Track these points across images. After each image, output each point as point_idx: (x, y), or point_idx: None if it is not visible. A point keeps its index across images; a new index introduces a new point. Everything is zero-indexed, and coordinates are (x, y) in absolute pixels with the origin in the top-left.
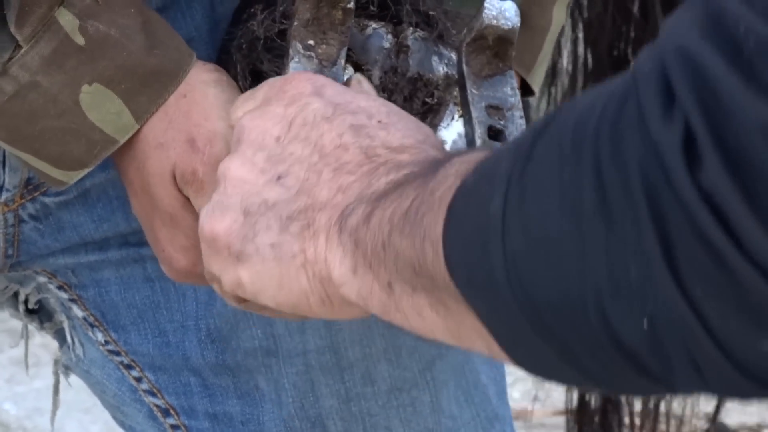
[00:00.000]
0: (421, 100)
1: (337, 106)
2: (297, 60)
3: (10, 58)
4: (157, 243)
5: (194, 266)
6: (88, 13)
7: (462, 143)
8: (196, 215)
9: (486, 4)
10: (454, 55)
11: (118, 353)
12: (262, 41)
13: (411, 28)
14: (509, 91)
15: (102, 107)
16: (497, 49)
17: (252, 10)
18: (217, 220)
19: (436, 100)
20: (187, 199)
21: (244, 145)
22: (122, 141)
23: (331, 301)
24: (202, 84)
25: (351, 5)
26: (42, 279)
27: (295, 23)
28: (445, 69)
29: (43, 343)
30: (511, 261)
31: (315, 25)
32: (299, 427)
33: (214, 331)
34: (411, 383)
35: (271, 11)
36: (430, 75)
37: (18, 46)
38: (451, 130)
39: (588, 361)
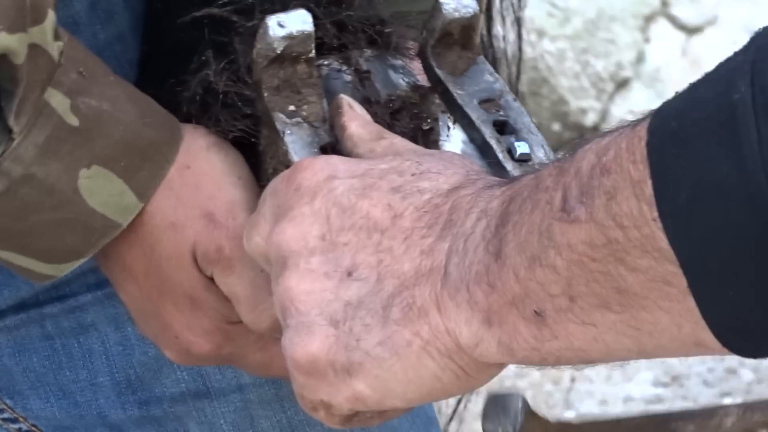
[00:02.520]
0: (406, 121)
1: (362, 178)
2: (289, 132)
3: (2, 153)
4: (169, 330)
5: (219, 349)
6: (77, 90)
7: (471, 151)
8: (220, 295)
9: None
10: (404, 62)
11: (15, 420)
12: (221, 96)
13: (357, 51)
14: (491, 78)
15: (103, 190)
16: (463, 40)
17: (203, 57)
18: (308, 344)
19: (424, 114)
20: (210, 279)
21: (291, 260)
22: (126, 224)
23: (466, 372)
24: (203, 150)
25: (312, 53)
26: None
27: (266, 94)
28: (405, 80)
29: None
30: None
31: (287, 89)
32: None
33: (135, 382)
34: None
35: (230, 63)
36: (399, 92)
37: (10, 139)
38: (454, 141)
39: None
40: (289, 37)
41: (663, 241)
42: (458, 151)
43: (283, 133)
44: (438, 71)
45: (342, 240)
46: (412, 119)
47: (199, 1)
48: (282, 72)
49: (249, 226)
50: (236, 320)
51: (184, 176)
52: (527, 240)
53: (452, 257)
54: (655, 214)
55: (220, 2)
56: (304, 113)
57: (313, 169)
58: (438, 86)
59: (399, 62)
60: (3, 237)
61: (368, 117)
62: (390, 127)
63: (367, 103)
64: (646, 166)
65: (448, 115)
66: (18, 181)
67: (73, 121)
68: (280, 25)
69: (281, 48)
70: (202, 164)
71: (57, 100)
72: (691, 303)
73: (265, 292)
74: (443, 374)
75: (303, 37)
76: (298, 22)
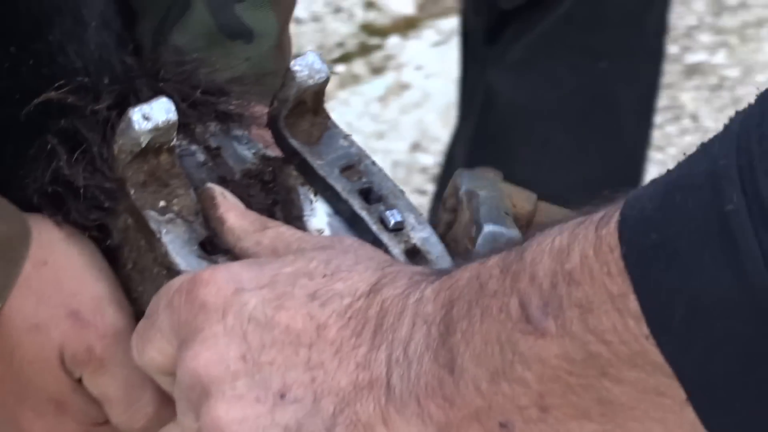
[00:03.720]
0: (262, 196)
1: (272, 287)
2: (165, 231)
3: None
4: None
5: None
6: None
7: (338, 223)
8: (88, 397)
9: (293, 67)
10: (245, 132)
11: None
12: (81, 191)
13: (201, 127)
14: (345, 143)
15: None
16: (315, 106)
17: (48, 146)
18: None
19: (280, 188)
20: (78, 380)
21: (213, 387)
22: None
23: None
24: (59, 243)
25: (174, 142)
26: None
27: (132, 191)
28: (252, 151)
29: None
30: None
31: (153, 183)
32: None
33: None
34: None
35: (83, 152)
36: (250, 166)
37: None
38: (319, 215)
39: None
40: (155, 129)
41: (658, 357)
42: (324, 225)
43: (159, 233)
44: (293, 142)
45: (265, 359)
46: (268, 194)
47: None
48: (146, 166)
49: (141, 339)
50: (103, 421)
51: (41, 273)
52: (485, 352)
53: (393, 368)
54: (646, 331)
55: (56, 86)
56: (176, 208)
57: (216, 284)
58: (294, 158)
59: (241, 132)
60: None
61: (242, 205)
62: (247, 205)
63: (222, 182)
64: (625, 279)
65: (308, 187)
66: None
67: None
68: (145, 118)
69: (147, 141)
70: (60, 258)
71: None
72: (689, 414)
73: (139, 390)
74: None
75: (168, 127)
76: (162, 112)
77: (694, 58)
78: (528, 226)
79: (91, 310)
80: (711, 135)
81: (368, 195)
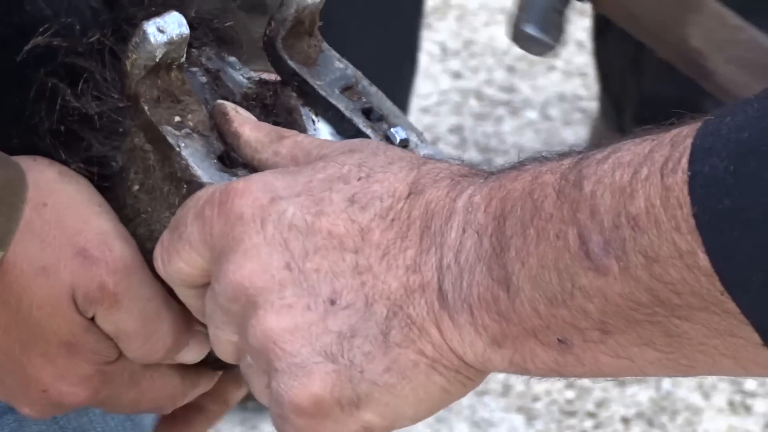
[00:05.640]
0: (262, 118)
1: (309, 195)
2: (184, 145)
3: None
4: (34, 384)
5: (96, 394)
6: None
7: None
8: (101, 335)
9: None
10: (233, 59)
11: None
12: (96, 118)
13: (197, 51)
14: (341, 65)
15: None
16: (311, 28)
17: (49, 83)
18: (307, 385)
19: (280, 110)
20: (90, 319)
21: (260, 298)
22: None
23: (473, 379)
24: (55, 183)
25: (183, 59)
26: None
27: (146, 107)
28: (246, 76)
29: None
30: None
31: (167, 99)
32: None
33: None
34: None
35: (86, 81)
36: (246, 89)
37: None
38: (323, 135)
39: None
40: (170, 43)
41: (733, 308)
42: None
43: (178, 146)
44: (291, 63)
45: (311, 266)
46: (268, 116)
47: None
48: (159, 81)
49: (166, 251)
50: (114, 359)
51: (42, 214)
52: (542, 276)
53: (445, 273)
54: (720, 287)
55: (40, 31)
56: (191, 123)
57: (252, 194)
58: (293, 79)
59: (233, 59)
60: None
61: (254, 119)
62: None
63: None
64: (696, 238)
65: (309, 108)
66: None
67: None
68: (160, 30)
69: (161, 55)
70: (59, 198)
71: None
72: (764, 353)
73: (156, 321)
74: (452, 386)
75: (181, 41)
76: (174, 25)
77: None
78: None
79: (98, 246)
80: None
81: (369, 114)
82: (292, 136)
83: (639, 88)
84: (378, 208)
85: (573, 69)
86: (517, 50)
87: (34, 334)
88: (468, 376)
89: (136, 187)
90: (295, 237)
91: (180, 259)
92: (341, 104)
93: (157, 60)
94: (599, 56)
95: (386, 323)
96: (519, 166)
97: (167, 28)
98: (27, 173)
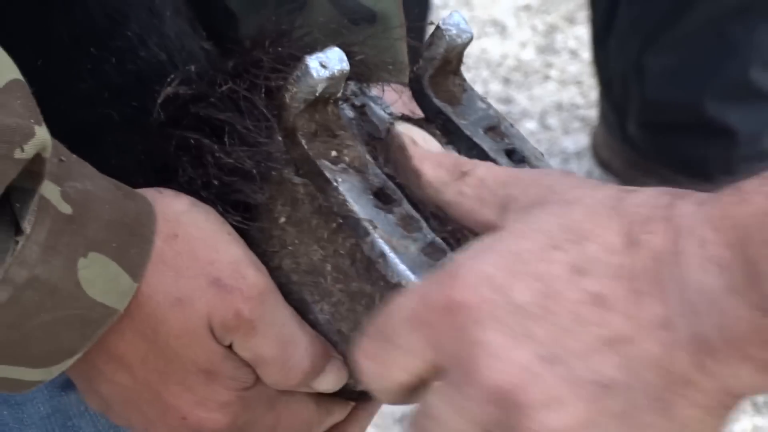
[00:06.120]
0: None
1: (525, 273)
2: (341, 180)
3: (8, 259)
4: (173, 413)
5: (236, 419)
6: (62, 175)
7: None
8: (238, 362)
9: (443, 26)
10: (374, 93)
11: None
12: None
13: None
14: (484, 105)
15: (100, 278)
16: (457, 66)
17: (180, 90)
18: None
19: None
20: (228, 347)
21: (523, 397)
22: (123, 308)
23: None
24: (184, 214)
25: (340, 93)
26: None
27: (303, 141)
28: (388, 112)
29: None
30: None
31: (323, 134)
32: None
33: None
34: None
35: (232, 135)
36: (389, 125)
37: (15, 242)
38: None
39: None
40: (331, 78)
41: None
42: None
43: (336, 181)
44: (437, 101)
45: (563, 352)
46: None
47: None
48: (317, 115)
49: (375, 363)
50: (251, 385)
51: (174, 246)
52: None
53: (701, 319)
54: None
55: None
56: (347, 158)
57: (469, 287)
58: (438, 117)
59: (374, 93)
60: None
61: (433, 152)
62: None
63: (372, 139)
64: None
65: (452, 146)
66: (22, 286)
67: (66, 209)
68: (323, 66)
69: (321, 90)
70: (189, 229)
71: (48, 189)
72: None
73: (292, 346)
74: (723, 421)
75: (341, 76)
76: (336, 60)
77: None
78: None
79: (231, 274)
80: None
81: (512, 155)
82: (473, 173)
83: (641, 93)
84: (603, 270)
85: (568, 78)
86: (510, 62)
87: (171, 363)
88: (735, 405)
89: (283, 220)
90: (534, 324)
91: (397, 369)
92: (485, 144)
93: (317, 94)
94: (600, 63)
95: (658, 389)
96: (734, 188)
97: (329, 63)
98: (154, 205)
